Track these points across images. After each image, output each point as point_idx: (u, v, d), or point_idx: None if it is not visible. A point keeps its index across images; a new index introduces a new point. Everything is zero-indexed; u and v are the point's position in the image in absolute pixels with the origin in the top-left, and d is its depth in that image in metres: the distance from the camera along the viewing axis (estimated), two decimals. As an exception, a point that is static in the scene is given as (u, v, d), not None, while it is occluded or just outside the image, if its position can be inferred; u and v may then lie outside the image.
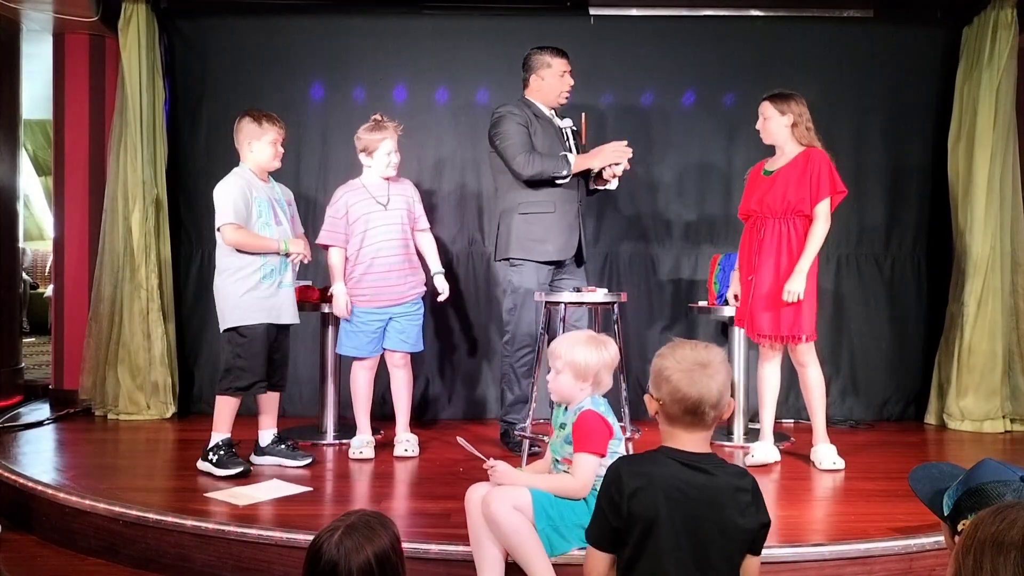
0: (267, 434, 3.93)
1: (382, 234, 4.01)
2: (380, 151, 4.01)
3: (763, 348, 4.00)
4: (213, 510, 3.16)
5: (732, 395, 4.51)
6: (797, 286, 3.76)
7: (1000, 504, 1.43)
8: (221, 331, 3.82)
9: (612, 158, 4.08)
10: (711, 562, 1.90)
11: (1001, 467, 1.72)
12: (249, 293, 3.74)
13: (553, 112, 4.30)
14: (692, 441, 1.98)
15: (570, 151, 4.23)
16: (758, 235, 3.92)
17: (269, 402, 3.95)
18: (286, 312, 3.86)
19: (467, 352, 5.20)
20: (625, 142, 4.10)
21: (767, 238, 3.88)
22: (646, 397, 2.05)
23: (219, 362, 3.97)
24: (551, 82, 4.22)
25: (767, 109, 3.92)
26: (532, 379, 4.14)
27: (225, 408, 3.78)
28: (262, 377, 3.79)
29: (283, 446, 3.91)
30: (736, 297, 4.13)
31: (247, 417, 3.97)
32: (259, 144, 3.83)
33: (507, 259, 4.20)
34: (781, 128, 3.89)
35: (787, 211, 3.84)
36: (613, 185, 4.25)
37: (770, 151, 4.07)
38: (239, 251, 3.73)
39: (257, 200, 3.79)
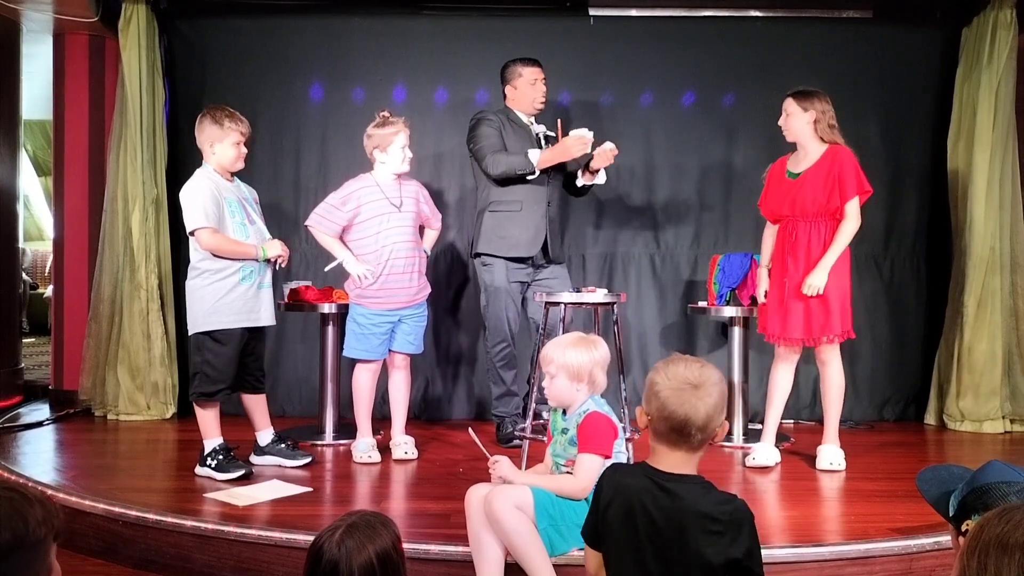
0: (265, 434, 3.91)
1: (396, 236, 3.97)
2: (394, 145, 3.96)
3: (779, 350, 3.98)
4: (213, 510, 3.16)
5: (733, 411, 4.33)
6: (818, 280, 3.75)
7: (1006, 505, 1.43)
8: (190, 334, 3.73)
9: (576, 149, 4.14)
10: None
11: (1008, 469, 1.73)
12: (228, 296, 3.65)
13: (532, 119, 4.44)
14: (673, 460, 1.90)
15: None
16: (790, 238, 3.90)
17: (255, 404, 3.90)
18: (264, 314, 3.79)
19: (467, 352, 5.20)
20: (585, 130, 4.13)
21: (799, 241, 3.87)
22: (637, 410, 2.04)
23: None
24: (524, 91, 4.38)
25: (790, 105, 3.91)
26: (513, 371, 4.36)
27: (205, 415, 3.70)
28: (229, 384, 3.71)
29: (282, 445, 3.90)
30: (765, 293, 4.05)
31: (245, 418, 3.97)
32: (221, 145, 3.71)
33: (479, 256, 4.37)
34: (803, 125, 3.88)
35: (817, 213, 3.82)
36: (601, 178, 4.36)
37: (778, 149, 4.07)
38: (215, 255, 3.65)
39: (228, 201, 3.70)
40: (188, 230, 3.68)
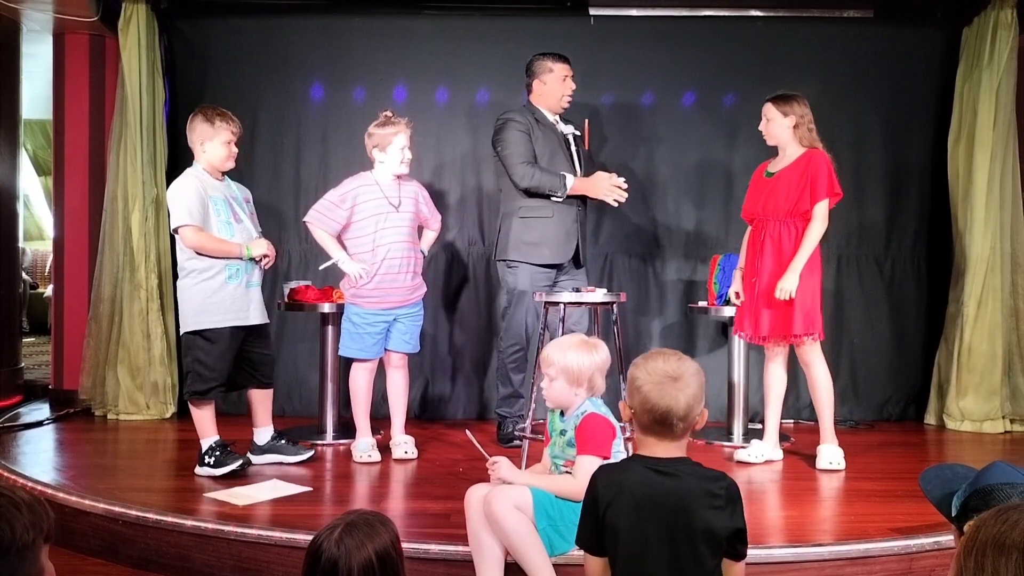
0: (264, 432, 3.91)
1: (392, 235, 3.97)
2: (394, 146, 3.96)
3: (768, 348, 4.01)
4: (213, 510, 3.16)
5: (733, 411, 4.38)
6: (790, 284, 3.77)
7: (1003, 505, 1.42)
8: (181, 333, 3.74)
9: (605, 194, 4.17)
10: (684, 566, 1.89)
11: (1012, 470, 1.72)
12: (216, 295, 3.65)
13: (557, 118, 4.39)
14: (664, 448, 1.98)
15: (571, 158, 4.32)
16: (760, 238, 3.94)
17: (261, 399, 3.90)
18: (254, 313, 3.78)
19: (467, 352, 5.20)
20: (620, 179, 4.16)
21: (768, 240, 3.90)
22: (620, 404, 2.07)
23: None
24: (553, 87, 4.32)
25: (769, 110, 3.93)
26: (522, 375, 4.33)
27: (200, 414, 3.69)
28: (222, 381, 3.70)
29: (283, 441, 3.90)
30: (737, 295, 4.13)
31: (244, 417, 3.97)
32: (212, 144, 3.71)
33: (505, 260, 4.33)
34: (783, 129, 3.90)
35: (788, 213, 3.85)
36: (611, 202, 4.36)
37: (773, 151, 4.07)
38: (199, 254, 3.66)
39: (214, 199, 3.70)
40: (172, 227, 3.70)
